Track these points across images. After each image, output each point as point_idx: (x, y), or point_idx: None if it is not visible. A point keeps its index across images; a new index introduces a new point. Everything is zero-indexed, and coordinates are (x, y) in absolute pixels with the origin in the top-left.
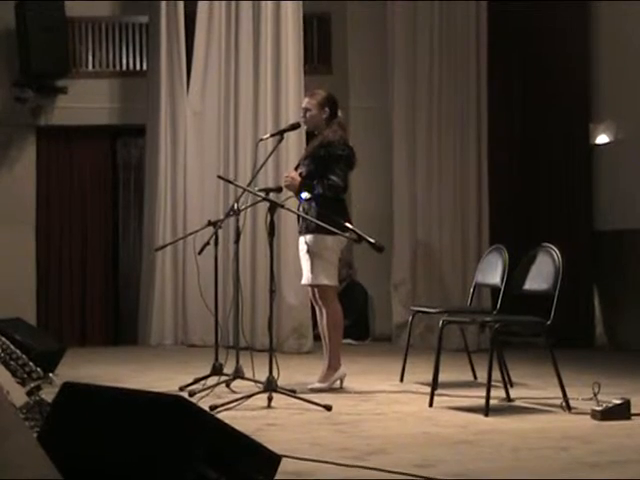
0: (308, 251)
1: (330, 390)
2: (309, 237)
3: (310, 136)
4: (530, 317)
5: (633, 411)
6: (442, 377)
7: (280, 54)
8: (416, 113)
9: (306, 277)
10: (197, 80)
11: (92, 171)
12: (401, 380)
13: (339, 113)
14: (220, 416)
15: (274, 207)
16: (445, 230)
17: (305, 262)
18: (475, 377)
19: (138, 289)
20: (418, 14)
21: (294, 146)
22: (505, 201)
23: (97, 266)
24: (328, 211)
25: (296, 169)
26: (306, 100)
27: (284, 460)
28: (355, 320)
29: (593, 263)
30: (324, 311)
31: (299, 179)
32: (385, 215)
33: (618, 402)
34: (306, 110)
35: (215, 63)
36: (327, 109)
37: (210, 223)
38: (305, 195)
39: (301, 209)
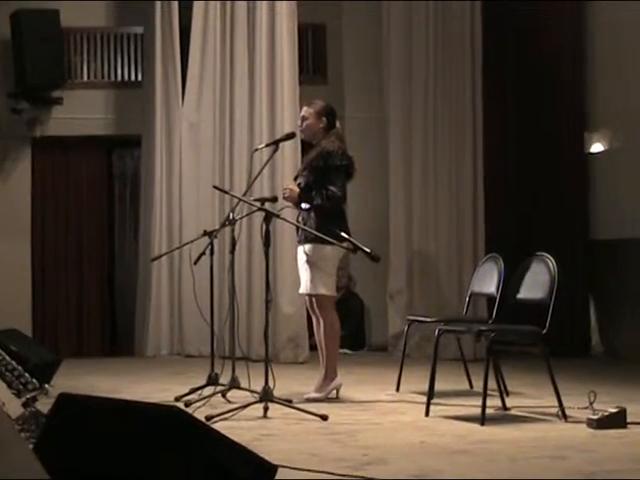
0: (307, 261)
1: (326, 400)
2: (308, 247)
3: (306, 146)
4: (526, 326)
5: (629, 420)
6: (438, 386)
7: (275, 64)
8: (412, 123)
9: (304, 286)
10: (192, 91)
11: (88, 182)
12: (397, 390)
13: (337, 124)
14: (216, 426)
15: (269, 217)
16: (441, 240)
17: (304, 272)
18: (471, 386)
19: (134, 299)
20: (413, 24)
21: (289, 156)
22: (501, 210)
23: (93, 277)
24: (327, 221)
25: (295, 180)
26: (304, 109)
27: (280, 470)
28: (351, 330)
29: (589, 272)
30: (321, 321)
31: (297, 190)
32: (381, 225)
33: (614, 411)
34: (303, 118)
35: (210, 74)
36: (324, 119)
37: (206, 233)
38: (305, 206)
39: (300, 219)
